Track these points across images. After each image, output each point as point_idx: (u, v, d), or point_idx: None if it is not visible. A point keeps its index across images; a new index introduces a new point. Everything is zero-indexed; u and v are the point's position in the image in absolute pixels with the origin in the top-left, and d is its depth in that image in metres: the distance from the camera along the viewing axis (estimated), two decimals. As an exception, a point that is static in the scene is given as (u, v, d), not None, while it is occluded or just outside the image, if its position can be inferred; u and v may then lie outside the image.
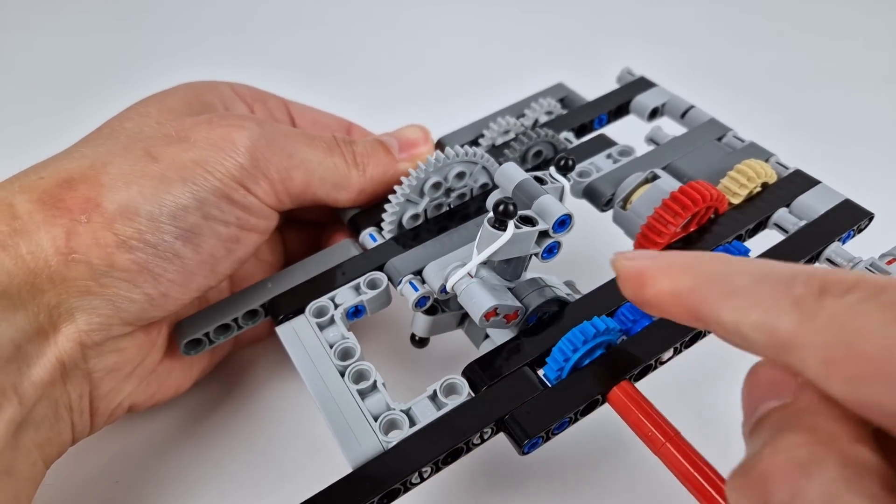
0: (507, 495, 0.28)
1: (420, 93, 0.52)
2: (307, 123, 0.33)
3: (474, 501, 0.28)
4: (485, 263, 0.25)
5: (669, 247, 0.27)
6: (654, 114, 0.34)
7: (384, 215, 0.29)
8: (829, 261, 0.27)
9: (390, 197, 0.29)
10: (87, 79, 0.55)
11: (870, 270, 0.25)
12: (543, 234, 0.25)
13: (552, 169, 0.27)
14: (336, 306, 0.27)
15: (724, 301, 0.15)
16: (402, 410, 0.23)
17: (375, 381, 0.24)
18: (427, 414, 0.23)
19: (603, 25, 0.58)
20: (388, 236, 0.29)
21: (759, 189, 0.29)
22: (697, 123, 0.33)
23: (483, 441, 0.23)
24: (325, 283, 0.28)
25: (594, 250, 0.36)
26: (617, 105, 0.35)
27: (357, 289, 0.27)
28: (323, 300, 0.27)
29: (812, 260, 0.27)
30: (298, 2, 0.62)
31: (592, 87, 0.37)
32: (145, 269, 0.23)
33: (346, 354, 0.25)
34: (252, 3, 0.63)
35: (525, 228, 0.24)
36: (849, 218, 0.27)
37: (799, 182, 0.29)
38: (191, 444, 0.30)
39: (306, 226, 0.34)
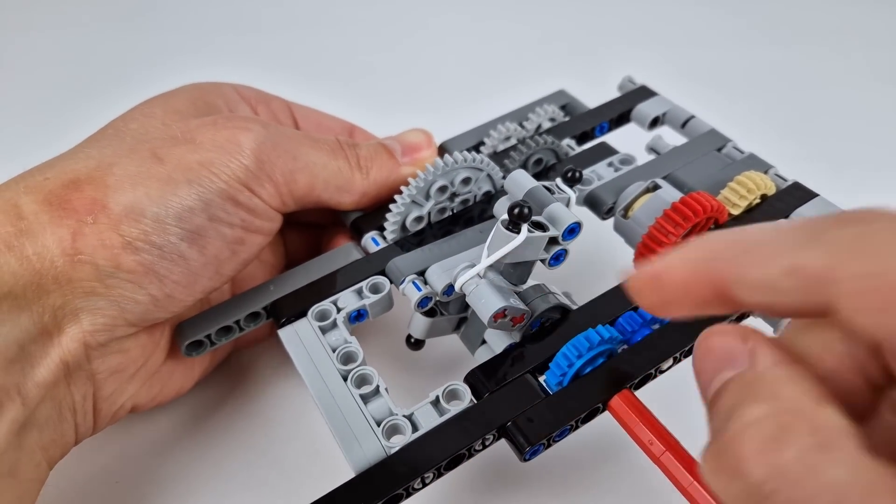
0: (507, 498, 0.28)
1: (423, 96, 0.52)
2: (310, 125, 0.33)
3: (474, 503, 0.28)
4: (492, 266, 0.25)
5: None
6: (655, 123, 0.35)
7: (388, 215, 0.29)
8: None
9: (396, 198, 0.29)
10: (91, 79, 0.55)
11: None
12: (552, 242, 0.25)
13: (559, 180, 0.27)
14: (338, 310, 0.27)
15: (746, 258, 0.14)
16: (404, 416, 0.23)
17: (378, 386, 0.24)
18: (429, 420, 0.23)
19: (606, 32, 0.58)
20: (390, 239, 0.29)
21: (758, 201, 0.29)
22: (698, 133, 0.33)
23: (485, 447, 0.23)
24: (328, 286, 0.28)
25: (594, 257, 0.37)
26: (618, 113, 0.35)
27: (359, 293, 0.27)
28: (325, 303, 0.27)
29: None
30: (302, 5, 0.62)
31: (594, 94, 0.37)
32: (151, 270, 0.23)
33: (348, 359, 0.25)
34: (256, 5, 0.63)
35: (537, 233, 0.24)
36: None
37: (797, 194, 0.29)
38: (191, 445, 0.30)
39: (307, 228, 0.34)
